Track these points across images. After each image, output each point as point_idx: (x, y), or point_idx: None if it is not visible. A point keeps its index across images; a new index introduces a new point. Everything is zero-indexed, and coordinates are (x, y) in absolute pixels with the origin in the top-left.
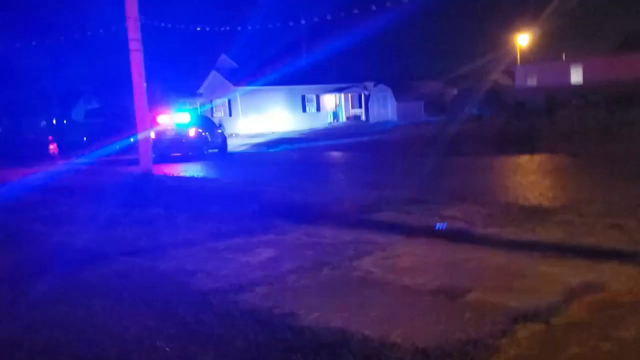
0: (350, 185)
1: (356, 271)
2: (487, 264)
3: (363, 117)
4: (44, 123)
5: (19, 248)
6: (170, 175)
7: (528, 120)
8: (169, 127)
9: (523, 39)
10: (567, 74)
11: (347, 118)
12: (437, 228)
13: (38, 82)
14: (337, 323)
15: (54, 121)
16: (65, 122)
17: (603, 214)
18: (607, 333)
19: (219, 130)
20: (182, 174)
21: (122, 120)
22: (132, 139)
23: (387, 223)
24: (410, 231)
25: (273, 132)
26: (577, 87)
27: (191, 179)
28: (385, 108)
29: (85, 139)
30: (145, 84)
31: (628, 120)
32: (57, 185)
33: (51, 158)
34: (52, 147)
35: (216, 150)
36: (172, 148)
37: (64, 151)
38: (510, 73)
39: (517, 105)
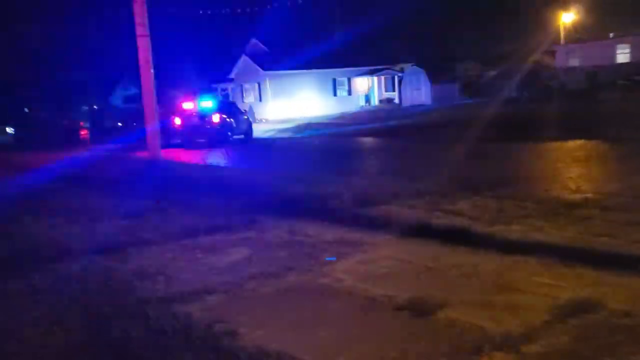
0: (362, 175)
1: (324, 278)
2: (475, 271)
3: (396, 100)
4: (85, 109)
5: None
6: (178, 162)
7: (567, 102)
8: (193, 113)
9: (567, 17)
10: (613, 54)
11: (380, 101)
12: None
13: (77, 68)
14: (277, 345)
15: (91, 107)
16: (96, 107)
17: (629, 209)
18: None
19: (245, 116)
20: (195, 161)
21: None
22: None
23: (383, 219)
24: (404, 229)
25: (303, 117)
26: (623, 67)
27: (197, 166)
28: (418, 91)
29: (120, 124)
30: (152, 71)
31: None
32: (67, 173)
33: (81, 144)
34: (83, 133)
35: (241, 136)
36: (197, 134)
37: (97, 137)
38: (552, 53)
39: (557, 87)
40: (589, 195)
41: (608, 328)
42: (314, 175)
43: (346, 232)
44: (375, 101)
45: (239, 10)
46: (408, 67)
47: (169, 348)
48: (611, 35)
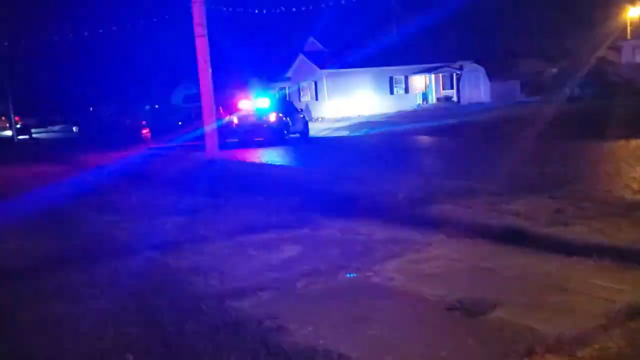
0: (417, 173)
1: (375, 277)
2: (529, 272)
3: (454, 99)
4: (147, 107)
5: (56, 235)
6: (234, 161)
7: (632, 100)
8: (250, 112)
9: (634, 11)
10: None
11: (438, 99)
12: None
13: (140, 68)
14: (327, 342)
15: (152, 107)
16: (157, 107)
17: None
18: None
19: (301, 115)
20: (251, 159)
21: (215, 104)
22: (220, 124)
23: (436, 219)
24: (458, 229)
25: (359, 115)
26: None
27: (253, 165)
28: (477, 88)
29: (180, 123)
30: (210, 70)
31: None
32: (128, 172)
33: (142, 142)
34: (145, 131)
35: (297, 135)
36: (253, 133)
37: (157, 135)
38: (618, 49)
39: (623, 84)
40: None
41: None
42: (368, 174)
43: (399, 231)
44: (432, 99)
45: (293, 9)
46: (467, 64)
47: (220, 342)
48: None
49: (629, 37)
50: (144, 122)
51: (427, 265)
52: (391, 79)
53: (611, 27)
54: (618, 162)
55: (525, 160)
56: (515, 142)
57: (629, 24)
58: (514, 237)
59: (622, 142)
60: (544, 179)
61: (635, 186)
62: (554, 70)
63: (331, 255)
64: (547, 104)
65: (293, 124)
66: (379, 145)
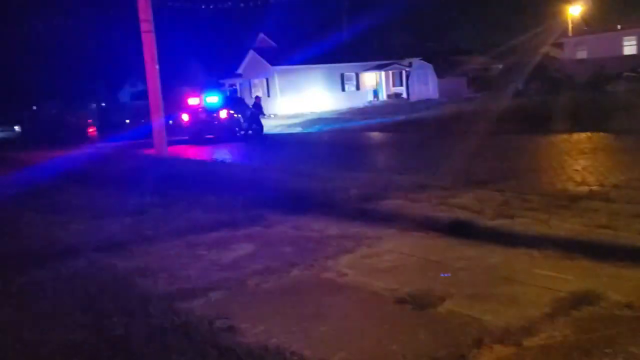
0: (368, 169)
1: (327, 272)
2: (478, 264)
3: (404, 95)
4: (94, 105)
5: None
6: (184, 159)
7: (574, 95)
8: (200, 109)
9: (574, 9)
10: (620, 46)
11: (388, 96)
12: None
13: (86, 65)
14: (279, 340)
15: (99, 105)
16: (103, 105)
17: (633, 201)
18: None
19: (252, 111)
20: (201, 157)
21: (164, 102)
22: (170, 121)
23: (387, 213)
24: (408, 223)
25: (311, 112)
26: (630, 59)
27: (203, 163)
28: (426, 85)
29: (128, 121)
30: (158, 67)
31: None
32: (73, 171)
33: (89, 141)
34: (91, 130)
35: (249, 132)
36: (204, 130)
37: (104, 134)
38: (559, 46)
39: (564, 80)
40: (594, 187)
41: (609, 320)
42: (321, 171)
43: (351, 226)
44: (383, 96)
45: (241, 5)
46: (415, 61)
47: (170, 345)
48: (618, 27)
49: (570, 34)
50: (90, 120)
51: (379, 259)
52: (342, 76)
53: (554, 24)
54: (561, 155)
55: (471, 154)
56: (463, 137)
57: (570, 22)
58: (462, 230)
59: (564, 136)
60: (490, 173)
61: (577, 178)
62: (500, 66)
63: (284, 253)
64: (493, 99)
65: (245, 121)
66: (331, 141)
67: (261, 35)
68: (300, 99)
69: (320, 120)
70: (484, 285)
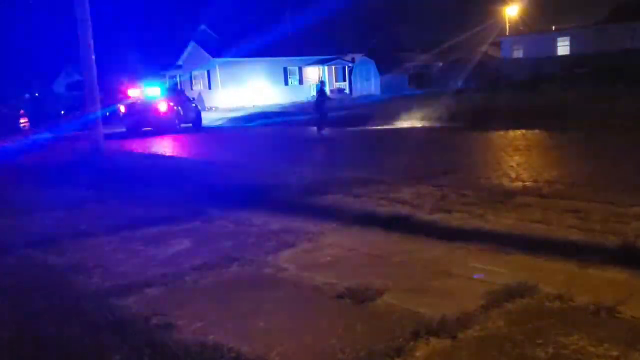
0: (310, 164)
1: (268, 268)
2: (416, 258)
3: (347, 91)
4: (27, 96)
5: None
6: (122, 152)
7: (511, 93)
8: (139, 101)
9: (511, 10)
10: (554, 46)
11: (331, 91)
12: None
13: (19, 55)
14: (216, 337)
15: (33, 95)
16: (37, 95)
17: (565, 196)
18: (520, 352)
19: (193, 104)
20: (140, 150)
21: (101, 93)
22: (107, 113)
23: (329, 208)
24: (349, 218)
25: (254, 106)
26: (564, 59)
27: (142, 156)
28: (368, 81)
29: (63, 112)
30: (94, 57)
31: (613, 94)
32: (3, 164)
33: (21, 132)
34: (24, 121)
35: (190, 125)
36: (143, 123)
37: (38, 126)
38: (498, 45)
39: (502, 79)
40: (528, 183)
41: (541, 312)
42: (263, 165)
43: (292, 221)
44: (326, 91)
45: None
46: (358, 57)
47: (104, 343)
48: (553, 28)
49: (507, 34)
50: (22, 112)
51: (320, 254)
52: (286, 69)
53: (493, 24)
54: (498, 152)
55: (412, 150)
56: (404, 132)
57: (507, 22)
58: (402, 225)
59: (501, 133)
60: (429, 168)
61: (512, 174)
62: (441, 64)
63: (223, 248)
64: (434, 96)
65: (185, 114)
66: (273, 136)
67: (203, 26)
68: (243, 92)
69: (263, 114)
70: (422, 279)
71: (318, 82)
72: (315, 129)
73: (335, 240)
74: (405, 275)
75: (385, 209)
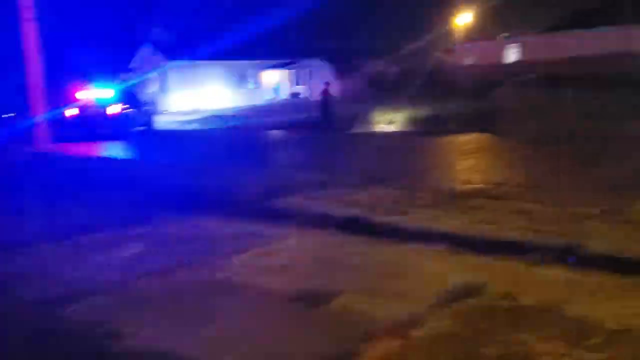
0: (268, 167)
1: (219, 272)
2: (370, 260)
3: (305, 94)
4: None
5: None
6: (70, 155)
7: (463, 98)
8: (89, 103)
9: (463, 18)
10: (504, 53)
11: (290, 95)
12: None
13: None
14: (164, 344)
15: None
16: None
17: (512, 197)
18: (469, 351)
19: (146, 107)
20: (90, 153)
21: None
22: (53, 116)
23: (285, 211)
24: (305, 221)
25: (210, 109)
26: (512, 66)
27: (92, 159)
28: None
29: (5, 115)
30: (41, 57)
31: (558, 100)
32: None
33: None
34: None
35: (142, 127)
36: (93, 125)
37: None
38: (451, 51)
39: (455, 84)
40: (479, 185)
41: (489, 311)
42: (218, 168)
43: (247, 225)
44: (284, 94)
45: None
46: (317, 61)
47: (49, 353)
48: (502, 36)
49: (460, 41)
50: None
51: (274, 258)
52: (243, 73)
53: (446, 30)
54: (451, 155)
55: (369, 153)
56: (363, 136)
57: (459, 29)
58: (357, 227)
59: (454, 137)
60: (386, 171)
61: (465, 177)
62: (396, 69)
63: (175, 253)
64: (390, 101)
65: (137, 117)
66: (229, 138)
67: (157, 28)
68: (199, 95)
69: (219, 117)
70: (375, 281)
71: (322, 84)
72: (274, 131)
73: (290, 243)
74: (359, 277)
75: (341, 211)
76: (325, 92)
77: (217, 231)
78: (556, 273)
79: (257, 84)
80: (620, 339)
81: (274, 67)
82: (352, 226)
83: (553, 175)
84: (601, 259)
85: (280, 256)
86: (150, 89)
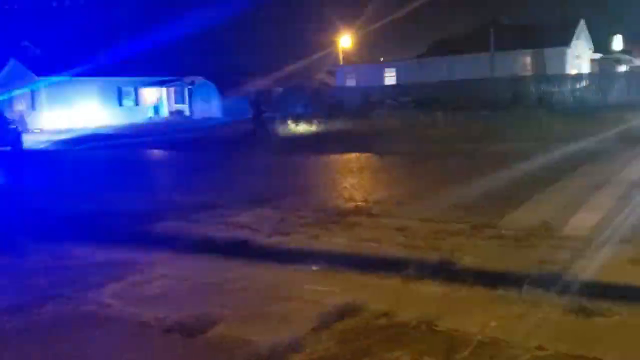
0: (146, 190)
1: (89, 305)
2: (251, 284)
3: (187, 113)
4: None
5: None
6: None
7: (344, 119)
8: None
9: (345, 41)
10: (382, 76)
11: (170, 113)
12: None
13: None
14: None
15: None
16: None
17: (392, 215)
18: None
19: (12, 126)
20: None
21: None
22: None
23: (162, 236)
24: (184, 245)
25: (84, 128)
26: (390, 88)
27: None
28: (209, 103)
29: None
30: None
31: (432, 120)
32: None
33: None
34: None
35: (8, 147)
36: None
37: None
38: (333, 73)
39: (337, 105)
40: (360, 203)
41: (367, 329)
42: (90, 191)
43: (120, 252)
44: (165, 113)
45: (6, 7)
46: (198, 79)
47: None
48: (381, 59)
49: (341, 63)
50: None
51: (149, 286)
52: (120, 90)
53: (328, 53)
54: (334, 174)
55: (254, 173)
56: (244, 156)
57: (341, 52)
58: (239, 250)
59: (336, 156)
60: (268, 191)
61: (346, 195)
62: (280, 89)
63: (38, 286)
64: (274, 120)
65: (2, 136)
66: (104, 159)
67: (25, 42)
68: (72, 113)
69: (93, 136)
70: (257, 305)
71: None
72: (153, 151)
73: (167, 270)
74: (240, 302)
75: (223, 233)
76: (256, 104)
77: (86, 259)
78: (431, 288)
79: (137, 101)
80: (485, 351)
81: (155, 84)
82: (234, 250)
83: (428, 191)
84: (470, 274)
85: (155, 284)
86: (18, 107)
